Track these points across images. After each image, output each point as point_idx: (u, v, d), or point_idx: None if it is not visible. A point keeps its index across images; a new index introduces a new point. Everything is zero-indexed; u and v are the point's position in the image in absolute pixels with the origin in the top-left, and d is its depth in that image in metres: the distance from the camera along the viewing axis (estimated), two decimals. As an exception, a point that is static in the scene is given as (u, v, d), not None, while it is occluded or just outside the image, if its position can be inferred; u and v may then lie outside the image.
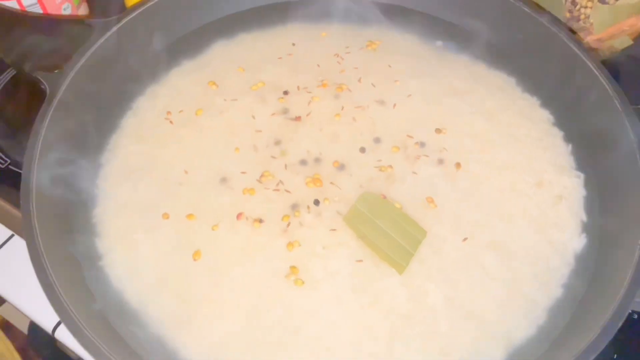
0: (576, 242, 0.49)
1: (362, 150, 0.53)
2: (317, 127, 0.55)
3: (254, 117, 0.55)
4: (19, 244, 0.54)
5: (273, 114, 0.55)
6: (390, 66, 0.60)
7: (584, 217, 0.51)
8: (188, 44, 0.61)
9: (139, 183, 0.51)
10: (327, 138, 0.54)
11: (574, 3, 0.61)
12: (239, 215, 0.49)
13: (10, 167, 0.59)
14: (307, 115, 0.56)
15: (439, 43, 0.62)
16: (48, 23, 0.55)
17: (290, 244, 0.47)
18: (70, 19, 0.58)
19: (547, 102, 0.58)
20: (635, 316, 0.50)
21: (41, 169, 0.46)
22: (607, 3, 0.59)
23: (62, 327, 0.49)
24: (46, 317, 0.49)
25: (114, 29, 0.55)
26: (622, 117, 0.50)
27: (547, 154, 0.54)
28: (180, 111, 0.56)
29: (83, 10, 0.64)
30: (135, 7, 0.57)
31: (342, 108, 0.56)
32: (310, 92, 0.57)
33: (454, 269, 0.47)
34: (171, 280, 0.46)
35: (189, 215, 0.49)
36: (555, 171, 0.53)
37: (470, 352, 0.44)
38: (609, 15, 0.60)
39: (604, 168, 0.52)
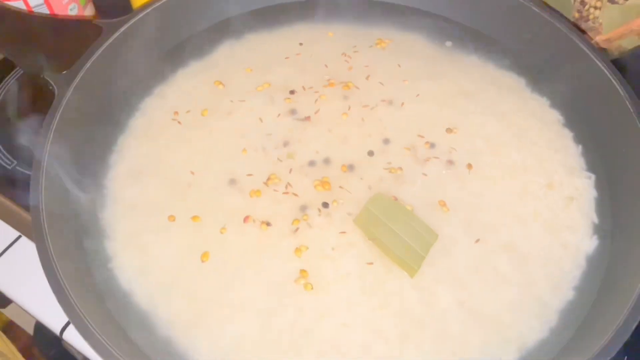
0: (587, 244, 0.49)
1: (371, 153, 0.53)
2: (325, 127, 0.55)
3: (261, 118, 0.55)
4: (26, 245, 0.53)
5: (280, 115, 0.55)
6: (399, 65, 0.59)
7: (595, 219, 0.50)
8: (195, 44, 0.61)
9: (147, 185, 0.51)
10: (336, 139, 0.54)
11: (583, 3, 0.61)
12: (245, 219, 0.48)
13: (17, 167, 0.58)
14: (315, 113, 0.55)
15: (449, 43, 0.62)
16: (56, 24, 0.54)
17: (298, 249, 0.47)
18: (78, 20, 0.58)
19: (557, 102, 0.57)
20: (647, 318, 0.50)
21: (49, 170, 0.46)
22: (617, 3, 0.59)
23: (70, 328, 0.49)
24: (54, 318, 0.49)
25: (122, 30, 0.54)
26: (632, 118, 0.50)
27: (558, 155, 0.54)
28: (188, 112, 0.56)
29: (89, 11, 0.64)
30: (142, 8, 0.57)
31: (350, 108, 0.56)
32: (317, 92, 0.57)
33: (466, 271, 0.47)
34: (180, 282, 0.46)
35: (197, 217, 0.49)
36: (566, 172, 0.53)
37: (481, 354, 0.43)
38: (618, 15, 0.60)
39: (615, 169, 0.52)
